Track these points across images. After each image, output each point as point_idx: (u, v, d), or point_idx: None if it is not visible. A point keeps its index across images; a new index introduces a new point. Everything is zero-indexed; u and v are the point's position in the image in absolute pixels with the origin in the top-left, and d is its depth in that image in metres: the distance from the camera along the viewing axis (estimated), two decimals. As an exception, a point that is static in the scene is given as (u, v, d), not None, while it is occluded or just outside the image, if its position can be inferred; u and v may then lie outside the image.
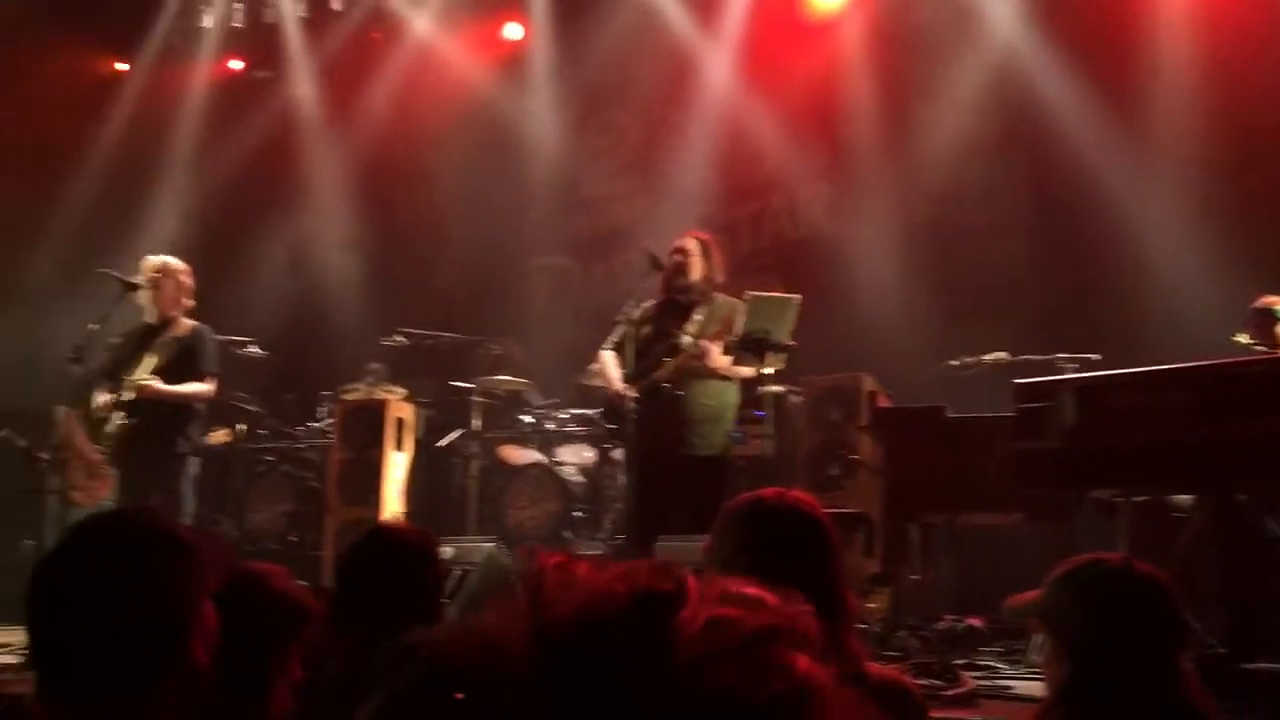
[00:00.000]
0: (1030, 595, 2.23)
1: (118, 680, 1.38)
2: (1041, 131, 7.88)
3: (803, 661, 0.56)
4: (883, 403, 6.37)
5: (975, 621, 5.24)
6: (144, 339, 6.22)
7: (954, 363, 6.48)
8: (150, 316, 6.26)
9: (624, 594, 0.56)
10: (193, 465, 6.31)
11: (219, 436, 6.89)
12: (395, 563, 2.61)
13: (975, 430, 5.36)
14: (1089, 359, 6.03)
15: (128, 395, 6.04)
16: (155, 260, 6.33)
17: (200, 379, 6.22)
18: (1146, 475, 4.40)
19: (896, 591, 5.49)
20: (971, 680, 4.19)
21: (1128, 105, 7.56)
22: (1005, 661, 4.76)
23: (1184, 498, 5.08)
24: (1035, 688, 4.09)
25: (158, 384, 6.05)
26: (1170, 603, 2.06)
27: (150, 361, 6.10)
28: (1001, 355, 6.34)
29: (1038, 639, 4.42)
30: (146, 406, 6.06)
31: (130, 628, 1.38)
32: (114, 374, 6.16)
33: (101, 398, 6.22)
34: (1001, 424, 4.83)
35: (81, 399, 7.28)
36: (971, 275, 8.00)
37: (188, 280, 6.33)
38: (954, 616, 5.30)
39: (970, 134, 8.10)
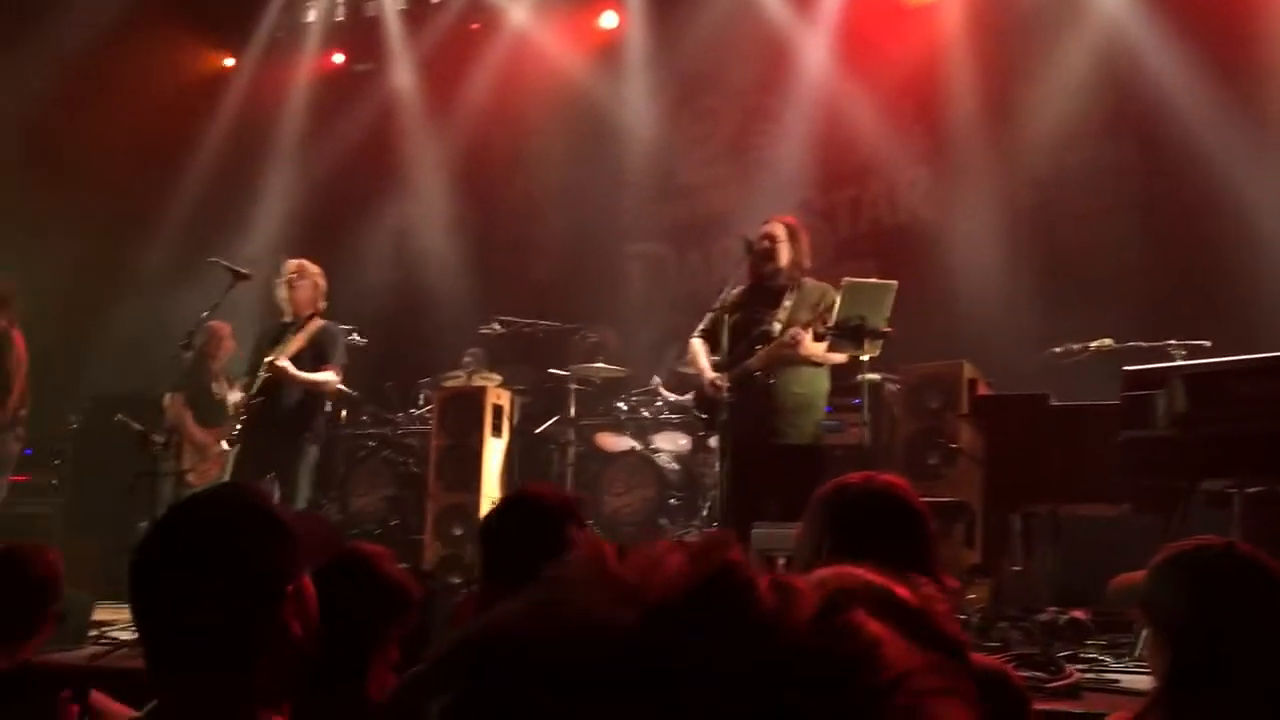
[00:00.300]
0: (1135, 576, 2.16)
1: (212, 652, 1.42)
2: (1149, 111, 7.64)
3: (875, 625, 0.56)
4: (983, 390, 6.25)
5: (1079, 614, 5.12)
6: (280, 334, 6.60)
7: (1057, 350, 6.33)
8: (287, 314, 6.64)
9: (709, 568, 0.56)
10: (313, 453, 6.66)
11: None
12: (538, 526, 2.41)
13: (1080, 418, 5.24)
14: (1199, 345, 5.84)
15: (262, 375, 6.42)
16: (294, 262, 6.72)
17: (326, 369, 6.56)
18: (1260, 465, 4.25)
19: (997, 583, 5.40)
20: (1076, 672, 4.10)
21: (1240, 81, 7.30)
22: (1111, 655, 4.64)
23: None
24: (1142, 681, 3.98)
25: (291, 367, 6.37)
26: (1277, 587, 1.98)
27: (285, 351, 6.46)
28: (1107, 342, 6.17)
29: (1145, 632, 4.31)
30: (277, 389, 6.41)
31: (223, 601, 1.42)
32: (253, 369, 6.57)
33: (233, 396, 6.56)
34: (1108, 412, 4.71)
35: (189, 384, 7.56)
36: (1076, 260, 7.81)
37: (322, 281, 6.71)
38: (1057, 608, 5.18)
39: (1075, 115, 7.90)
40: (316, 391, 6.60)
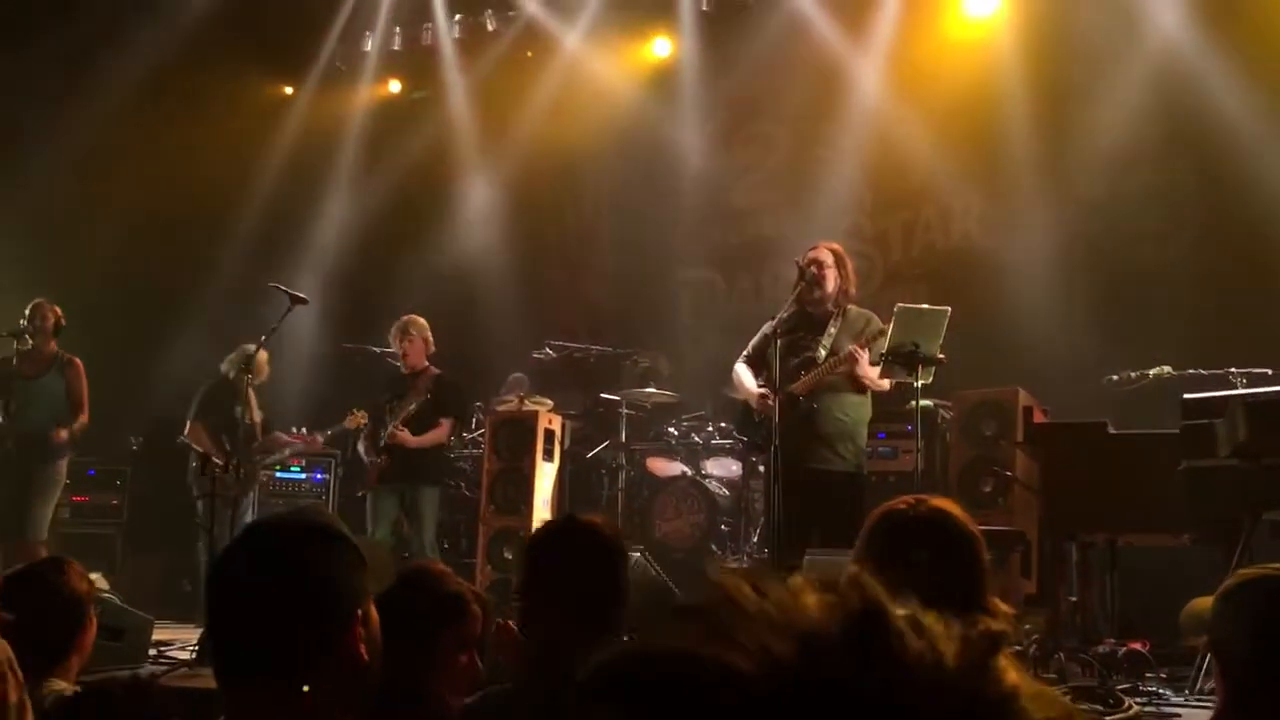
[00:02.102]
0: (1205, 602, 2.12)
1: (281, 666, 1.46)
2: (1206, 134, 7.54)
3: (1010, 669, 0.57)
4: (1039, 418, 6.19)
5: (1138, 645, 5.05)
6: (399, 391, 7.23)
7: (1115, 377, 6.25)
8: (403, 368, 7.29)
9: (851, 612, 0.57)
10: (436, 496, 7.40)
11: (354, 420, 7.50)
12: (586, 555, 2.42)
13: (1139, 447, 5.18)
14: (1260, 373, 5.74)
15: (384, 441, 7.15)
16: (404, 319, 7.31)
17: (441, 424, 7.26)
18: (1325, 495, 4.17)
19: (1054, 613, 5.33)
20: (1135, 705, 4.03)
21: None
22: (1171, 688, 4.56)
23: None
24: (1202, 715, 3.91)
25: (407, 436, 7.10)
26: None
27: (400, 415, 7.14)
28: (1166, 369, 6.09)
29: (1205, 664, 4.24)
30: (400, 449, 7.12)
31: (295, 618, 1.48)
32: (376, 422, 7.30)
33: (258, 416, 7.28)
34: (1167, 440, 4.65)
35: (212, 409, 7.76)
36: (1133, 285, 7.70)
37: (429, 334, 7.32)
38: (1115, 640, 5.10)
39: (1131, 139, 7.81)
40: (436, 447, 7.28)
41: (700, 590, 0.60)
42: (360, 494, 7.42)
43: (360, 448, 7.43)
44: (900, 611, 0.58)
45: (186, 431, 7.75)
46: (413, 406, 7.10)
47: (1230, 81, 7.49)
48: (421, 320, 7.36)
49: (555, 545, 2.46)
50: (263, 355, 7.62)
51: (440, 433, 7.27)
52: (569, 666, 2.21)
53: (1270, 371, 5.68)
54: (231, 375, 7.93)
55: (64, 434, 6.97)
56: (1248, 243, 7.36)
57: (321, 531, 1.56)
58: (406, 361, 7.27)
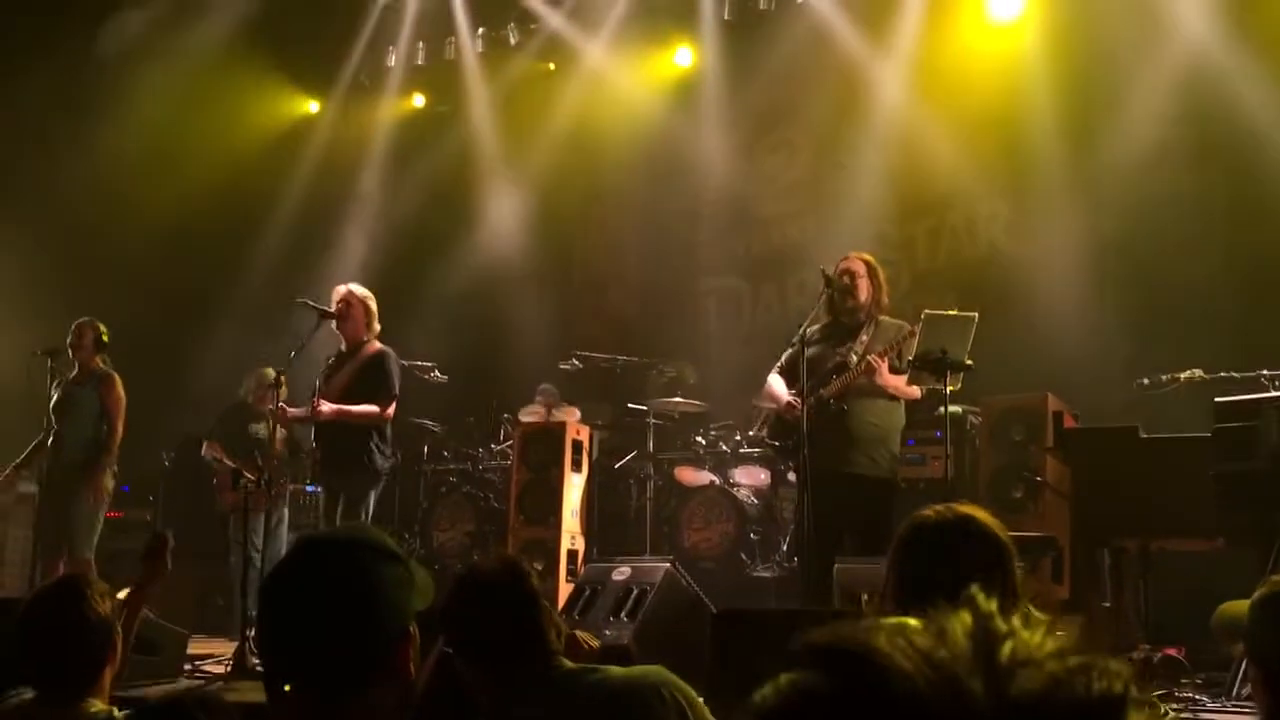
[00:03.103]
0: (1240, 605, 2.11)
1: (333, 682, 1.47)
2: (1237, 138, 7.48)
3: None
4: (1069, 423, 6.16)
5: (1173, 651, 5.01)
6: (335, 369, 6.54)
7: (1145, 381, 6.20)
8: (343, 345, 6.59)
9: (1088, 686, 0.58)
10: (371, 491, 6.51)
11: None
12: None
13: (1171, 451, 5.14)
14: (1293, 376, 5.69)
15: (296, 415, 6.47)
16: (339, 289, 6.66)
17: (380, 400, 6.40)
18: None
19: (1087, 619, 5.29)
20: (1171, 711, 4.00)
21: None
22: (1207, 694, 4.53)
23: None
24: (1241, 722, 3.88)
25: (326, 408, 6.27)
26: None
27: (332, 387, 6.41)
28: (1197, 372, 6.04)
29: (1242, 670, 4.20)
30: (330, 431, 6.40)
31: (349, 634, 1.49)
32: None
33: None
34: (1200, 445, 4.62)
35: (225, 428, 7.77)
36: (1162, 290, 7.64)
37: (373, 304, 6.59)
38: (1150, 646, 5.07)
39: (1159, 143, 7.74)
40: (368, 426, 6.39)
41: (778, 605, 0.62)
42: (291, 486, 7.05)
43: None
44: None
45: (204, 449, 7.86)
46: (340, 388, 6.35)
47: (1260, 84, 7.43)
48: (363, 290, 6.62)
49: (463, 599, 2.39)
50: (269, 373, 7.41)
51: (368, 408, 6.33)
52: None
53: (1303, 374, 5.62)
54: (249, 399, 8.01)
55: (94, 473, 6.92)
56: (1277, 247, 7.29)
57: (375, 548, 1.57)
58: (348, 335, 6.50)
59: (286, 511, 8.27)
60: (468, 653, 2.27)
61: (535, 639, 2.26)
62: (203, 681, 5.18)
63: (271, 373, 7.10)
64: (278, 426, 6.87)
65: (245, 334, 9.53)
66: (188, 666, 5.49)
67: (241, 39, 9.96)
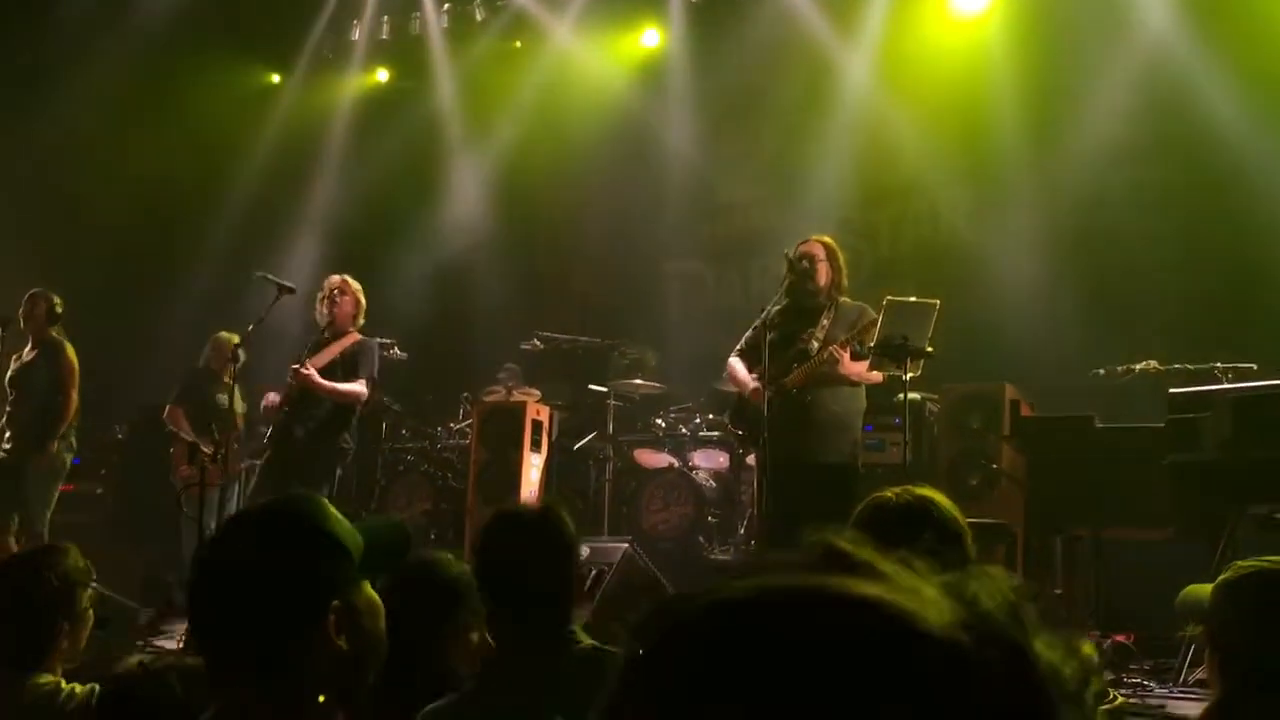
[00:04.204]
0: (1204, 589, 2.15)
1: (258, 666, 1.47)
2: (1195, 132, 7.58)
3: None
4: (1026, 412, 6.22)
5: (1122, 638, 5.08)
6: (317, 347, 6.59)
7: (1101, 371, 6.28)
8: (326, 329, 6.64)
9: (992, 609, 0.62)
10: (337, 467, 6.60)
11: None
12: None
13: (1125, 441, 5.21)
14: (1245, 368, 5.78)
15: (290, 383, 6.44)
16: (336, 278, 6.74)
17: (362, 381, 6.51)
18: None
19: (1040, 606, 5.35)
20: (1120, 697, 4.06)
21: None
22: (1155, 680, 4.60)
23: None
24: (1187, 706, 3.95)
25: (316, 375, 6.34)
26: None
27: (316, 361, 6.45)
28: (1152, 363, 6.12)
29: (1190, 655, 4.27)
30: (304, 400, 6.41)
31: (265, 616, 1.48)
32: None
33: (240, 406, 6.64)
34: (1153, 435, 4.68)
35: (189, 395, 7.68)
36: (1120, 281, 7.74)
37: (363, 299, 6.72)
38: (1100, 632, 5.14)
39: (1119, 136, 7.84)
40: (344, 403, 6.50)
41: (741, 571, 0.62)
42: (245, 464, 6.96)
43: (263, 409, 6.95)
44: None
45: (165, 414, 7.74)
46: (323, 363, 6.42)
47: (1218, 80, 7.53)
48: (356, 284, 6.74)
49: (502, 543, 2.45)
50: (231, 340, 7.44)
51: (352, 386, 6.45)
52: (520, 667, 2.23)
53: (1255, 367, 5.71)
54: (210, 365, 7.92)
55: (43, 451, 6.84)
56: (1234, 240, 7.41)
57: (296, 521, 1.55)
58: (335, 322, 6.59)
59: (239, 487, 8.21)
60: (500, 594, 2.32)
61: (566, 594, 2.36)
62: (153, 656, 5.14)
63: (234, 338, 7.06)
64: (238, 400, 6.87)
65: (205, 307, 9.42)
66: (140, 641, 5.43)
67: (205, 9, 9.81)
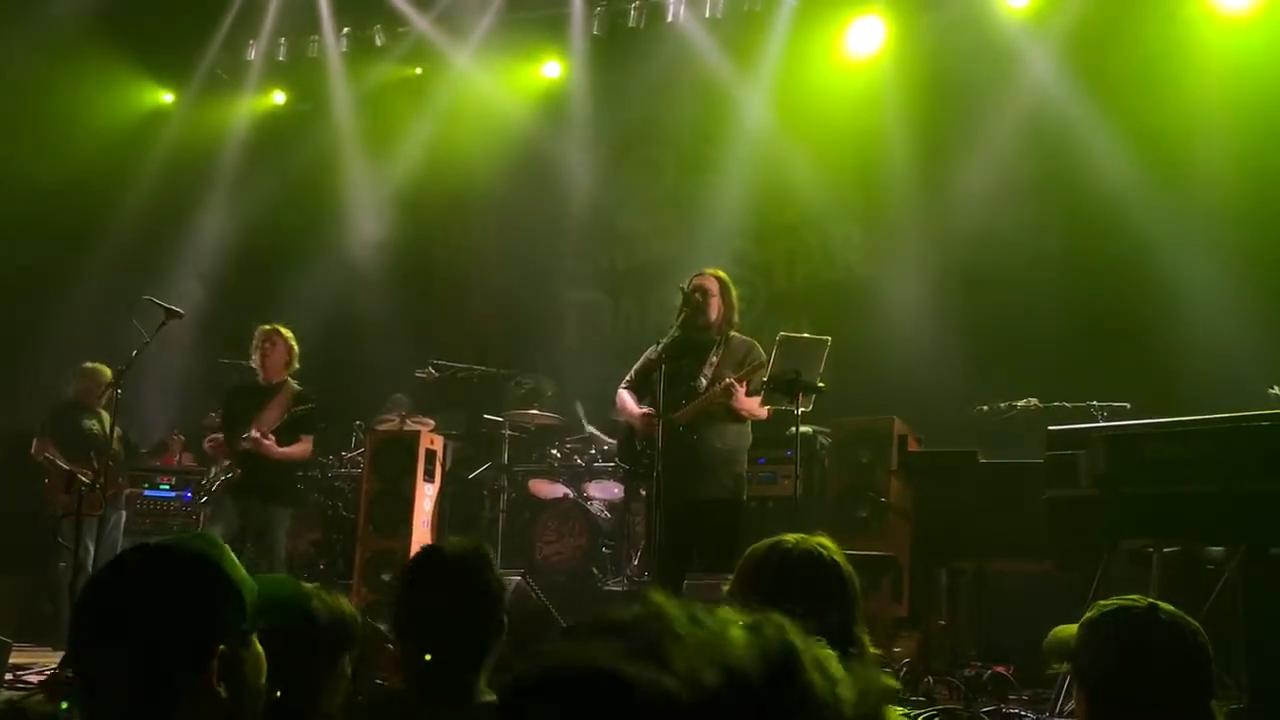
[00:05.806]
0: (1070, 629, 2.22)
1: (138, 709, 1.42)
2: (1076, 176, 7.88)
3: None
4: (913, 446, 6.36)
5: (1002, 669, 5.21)
6: (253, 400, 6.78)
7: (984, 408, 6.46)
8: (260, 377, 6.84)
9: (770, 652, 0.66)
10: (288, 518, 6.88)
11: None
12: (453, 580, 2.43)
13: (1006, 476, 5.35)
14: (1119, 406, 6.01)
15: (243, 447, 6.62)
16: (266, 327, 6.89)
17: (303, 441, 6.83)
18: (1177, 526, 4.36)
19: (924, 637, 5.46)
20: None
21: (1163, 151, 7.57)
22: (1033, 710, 4.72)
23: (1216, 549, 5.03)
24: (1062, 738, 4.06)
25: (273, 444, 6.62)
26: (1199, 649, 2.05)
27: (263, 422, 6.66)
28: (1033, 401, 6.32)
29: (1065, 687, 4.39)
30: (254, 461, 6.60)
31: (145, 659, 1.43)
32: (230, 429, 6.77)
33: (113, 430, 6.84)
34: (1033, 470, 4.81)
35: (56, 425, 7.52)
36: (1004, 319, 7.97)
37: (295, 345, 6.91)
38: (981, 663, 5.26)
39: (1004, 177, 8.11)
40: (293, 461, 6.85)
41: (624, 607, 0.66)
42: (202, 500, 7.06)
43: (206, 448, 7.03)
44: (810, 654, 0.65)
45: (34, 448, 7.56)
46: (269, 424, 6.67)
47: (1098, 127, 7.84)
48: (288, 331, 6.95)
49: (431, 583, 2.43)
50: (102, 374, 7.42)
51: (303, 447, 6.87)
52: (447, 698, 2.21)
53: (1129, 405, 5.93)
54: (76, 396, 7.74)
55: None
56: (1110, 281, 7.69)
57: (192, 560, 1.51)
58: (265, 371, 6.83)
59: (124, 514, 7.97)
60: (429, 632, 2.29)
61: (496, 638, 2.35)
62: (25, 693, 4.93)
63: (107, 371, 6.93)
64: (113, 424, 6.74)
65: (84, 330, 9.12)
66: (9, 676, 5.21)
67: (93, 23, 9.53)
